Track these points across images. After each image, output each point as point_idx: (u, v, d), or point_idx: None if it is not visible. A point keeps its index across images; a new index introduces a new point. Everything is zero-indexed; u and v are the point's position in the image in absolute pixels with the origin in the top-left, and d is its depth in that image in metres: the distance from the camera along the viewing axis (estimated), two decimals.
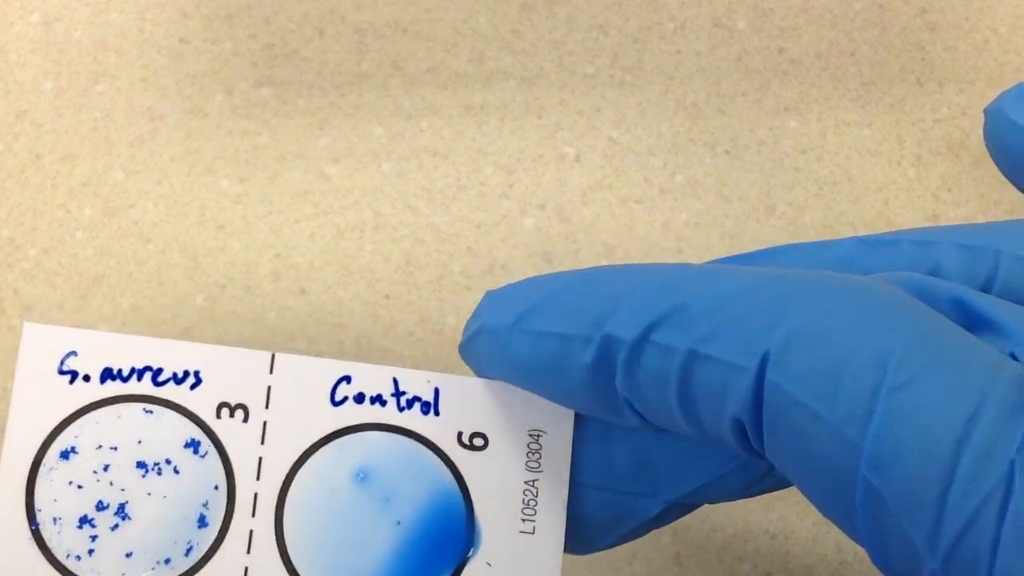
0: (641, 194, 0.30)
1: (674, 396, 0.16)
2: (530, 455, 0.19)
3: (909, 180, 0.30)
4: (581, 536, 0.20)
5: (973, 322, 0.16)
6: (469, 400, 0.19)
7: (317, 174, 0.29)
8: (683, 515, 0.20)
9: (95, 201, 0.29)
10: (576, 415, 0.19)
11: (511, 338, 0.18)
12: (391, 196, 0.29)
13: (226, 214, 0.29)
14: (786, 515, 0.27)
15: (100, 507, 0.18)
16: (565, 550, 0.20)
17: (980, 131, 0.31)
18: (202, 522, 0.18)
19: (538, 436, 0.19)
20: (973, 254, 0.18)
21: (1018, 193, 0.30)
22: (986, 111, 0.22)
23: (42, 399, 0.18)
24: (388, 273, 0.28)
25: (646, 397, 0.17)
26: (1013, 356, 0.15)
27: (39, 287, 0.28)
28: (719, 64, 0.31)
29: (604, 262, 0.29)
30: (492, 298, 0.19)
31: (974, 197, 0.30)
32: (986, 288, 0.18)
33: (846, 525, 0.15)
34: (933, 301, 0.16)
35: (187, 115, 0.30)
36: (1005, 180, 0.26)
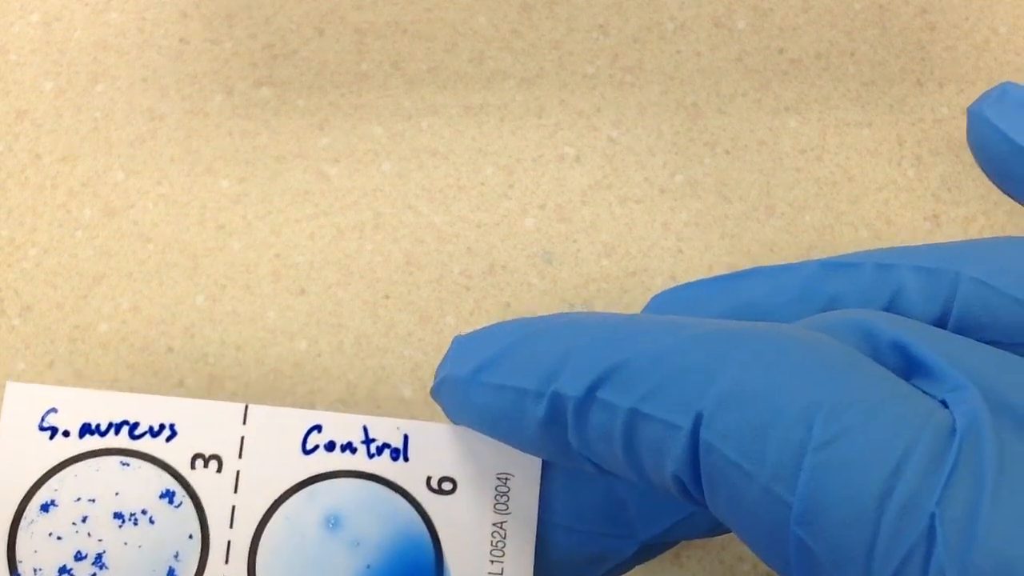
0: (641, 194, 0.30)
1: (620, 451, 0.16)
2: (498, 498, 0.20)
3: (909, 180, 0.30)
4: None
5: (911, 367, 0.16)
6: (438, 446, 0.20)
7: (317, 174, 0.29)
8: (662, 552, 0.21)
9: (95, 201, 0.29)
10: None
11: (471, 389, 0.18)
12: (391, 196, 0.29)
13: (226, 214, 0.29)
14: None
15: (78, 557, 0.19)
16: None
17: None
18: (176, 571, 0.19)
19: (506, 479, 0.20)
20: (933, 277, 0.18)
21: None
22: (968, 111, 0.22)
23: (23, 455, 0.19)
24: (388, 273, 0.28)
25: (597, 450, 0.17)
26: (945, 403, 0.15)
27: (39, 287, 0.28)
28: (719, 64, 0.31)
29: (604, 262, 0.29)
30: (458, 345, 0.19)
31: (974, 197, 0.30)
32: (945, 311, 0.18)
33: (783, 575, 0.15)
34: (875, 345, 0.16)
35: (187, 115, 0.30)
36: None
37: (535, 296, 0.28)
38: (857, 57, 0.32)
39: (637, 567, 0.25)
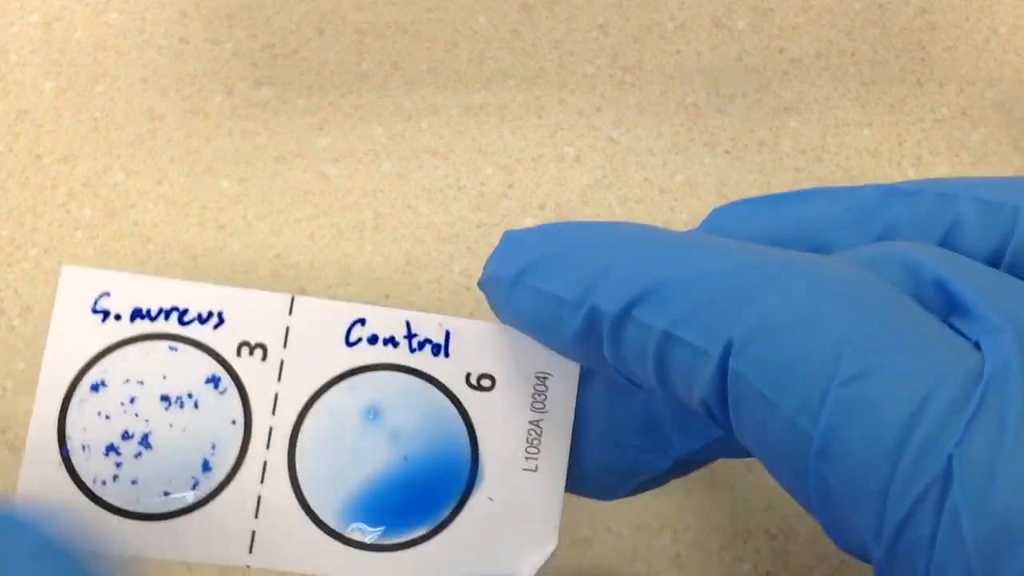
0: (641, 194, 0.30)
1: (652, 371, 0.16)
2: (536, 396, 0.20)
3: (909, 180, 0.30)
4: (596, 486, 0.21)
5: (952, 306, 0.16)
6: (479, 343, 0.20)
7: (317, 174, 0.29)
8: (697, 469, 0.21)
9: (95, 201, 0.29)
10: (587, 369, 0.20)
11: (513, 290, 0.18)
12: (391, 196, 0.29)
13: (226, 214, 0.29)
14: (786, 515, 0.27)
15: (126, 436, 0.19)
16: (585, 496, 0.20)
17: (980, 131, 0.31)
18: (219, 449, 0.20)
19: (544, 379, 0.20)
20: (992, 210, 0.18)
21: None
22: None
23: (76, 336, 0.19)
24: (388, 273, 0.28)
25: (630, 367, 0.17)
26: (979, 345, 0.15)
27: (39, 287, 0.28)
28: (719, 64, 0.31)
29: None
30: (507, 241, 0.20)
31: None
32: (1002, 245, 0.18)
33: (806, 507, 0.15)
34: (918, 281, 0.16)
35: (187, 115, 0.30)
36: None
37: None
38: (857, 57, 0.32)
39: (639, 564, 0.25)
